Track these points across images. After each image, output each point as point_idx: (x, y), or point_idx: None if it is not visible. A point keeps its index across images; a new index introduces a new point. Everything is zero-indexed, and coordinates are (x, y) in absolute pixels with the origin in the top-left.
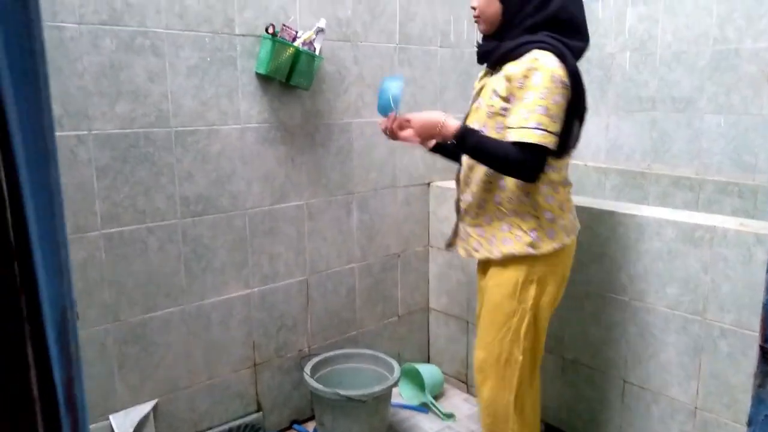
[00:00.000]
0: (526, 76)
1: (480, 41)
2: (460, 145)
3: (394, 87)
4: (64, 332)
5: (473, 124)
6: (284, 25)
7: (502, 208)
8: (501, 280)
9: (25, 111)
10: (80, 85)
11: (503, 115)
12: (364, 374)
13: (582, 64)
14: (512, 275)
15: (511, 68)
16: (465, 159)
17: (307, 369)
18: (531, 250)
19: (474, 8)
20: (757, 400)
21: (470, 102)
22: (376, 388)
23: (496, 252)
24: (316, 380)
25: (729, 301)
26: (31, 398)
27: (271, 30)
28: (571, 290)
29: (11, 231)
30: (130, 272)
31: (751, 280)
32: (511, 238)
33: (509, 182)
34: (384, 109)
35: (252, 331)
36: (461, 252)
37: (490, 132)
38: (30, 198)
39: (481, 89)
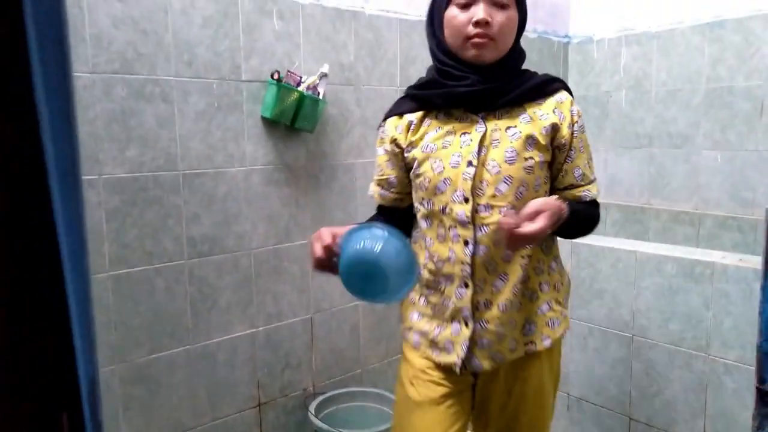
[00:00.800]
0: (576, 122)
1: (470, 77)
2: (571, 219)
3: (391, 254)
4: (94, 401)
5: (499, 184)
6: (289, 71)
7: (542, 286)
8: (543, 378)
9: (68, 208)
10: (91, 132)
11: (542, 169)
12: (368, 413)
13: (579, 103)
14: (555, 364)
15: (550, 111)
16: (485, 240)
17: (312, 408)
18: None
19: (486, 24)
20: None
21: (448, 155)
22: (381, 427)
23: (545, 341)
24: (321, 420)
25: (732, 336)
26: None
27: (276, 76)
28: (574, 327)
29: (55, 309)
30: (136, 313)
31: (752, 315)
32: (558, 317)
33: (545, 252)
34: (355, 277)
35: (257, 371)
36: (486, 364)
37: (530, 191)
38: (70, 278)
39: (482, 138)
